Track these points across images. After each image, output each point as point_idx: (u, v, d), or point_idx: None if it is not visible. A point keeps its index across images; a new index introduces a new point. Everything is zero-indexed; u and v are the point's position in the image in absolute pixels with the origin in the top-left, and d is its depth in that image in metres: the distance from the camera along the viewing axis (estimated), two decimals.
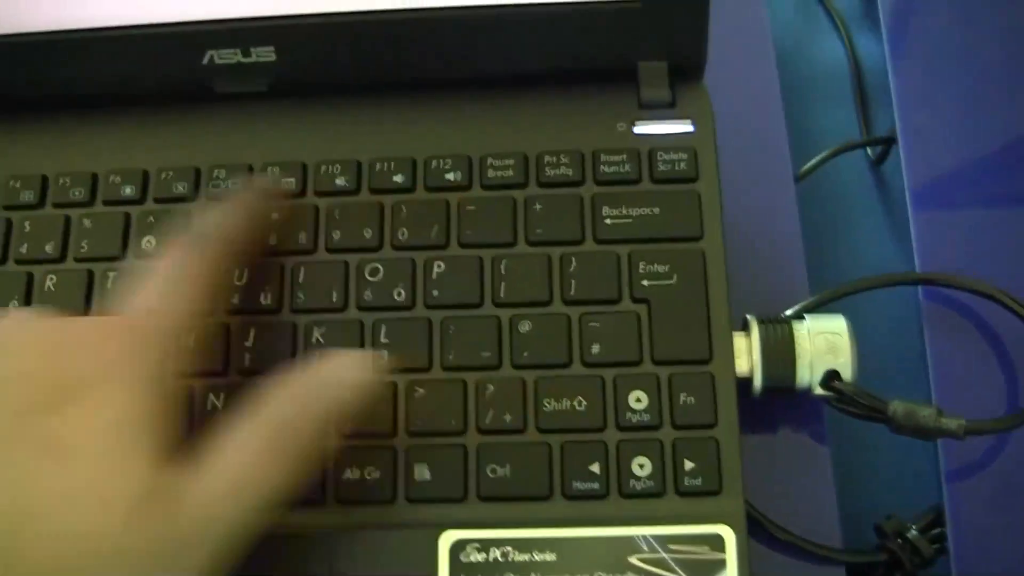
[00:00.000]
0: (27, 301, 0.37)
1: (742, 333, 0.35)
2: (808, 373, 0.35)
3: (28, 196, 0.38)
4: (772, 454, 0.36)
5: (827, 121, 0.43)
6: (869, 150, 0.44)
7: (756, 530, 0.36)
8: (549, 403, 0.34)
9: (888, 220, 0.44)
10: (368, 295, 0.36)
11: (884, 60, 0.43)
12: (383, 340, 0.35)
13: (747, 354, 0.35)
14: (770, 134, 0.41)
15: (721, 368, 0.34)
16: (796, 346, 0.35)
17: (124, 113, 0.40)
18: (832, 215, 0.41)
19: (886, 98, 0.43)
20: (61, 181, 0.38)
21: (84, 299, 0.37)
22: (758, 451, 0.35)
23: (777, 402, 0.36)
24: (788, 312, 0.37)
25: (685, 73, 0.38)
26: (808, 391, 0.35)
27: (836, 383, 0.35)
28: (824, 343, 0.35)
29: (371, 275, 0.36)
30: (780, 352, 0.35)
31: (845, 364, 0.35)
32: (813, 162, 0.39)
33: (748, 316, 0.36)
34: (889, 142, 0.43)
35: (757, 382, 0.35)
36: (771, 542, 0.35)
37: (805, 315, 0.36)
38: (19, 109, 0.40)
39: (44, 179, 0.38)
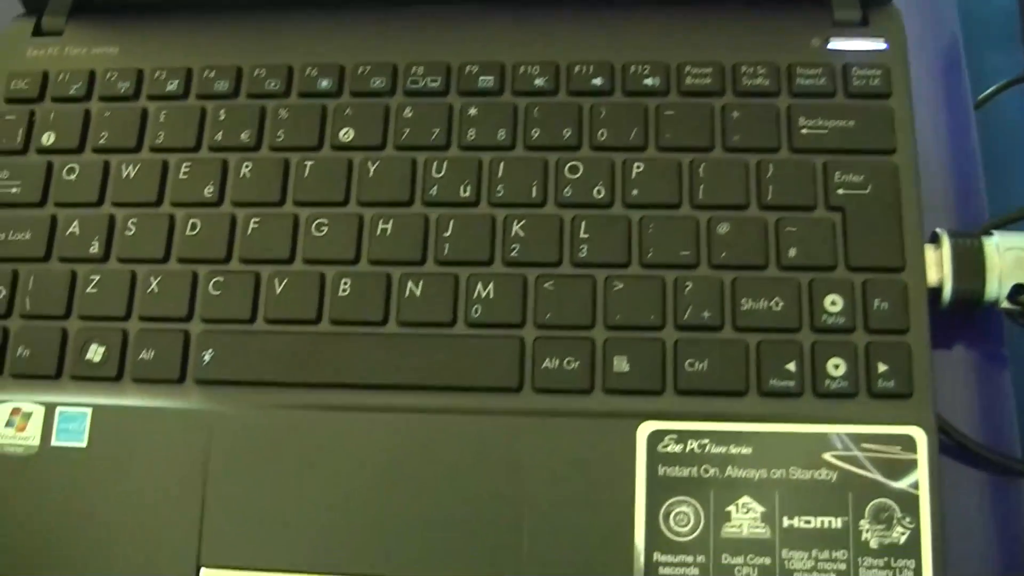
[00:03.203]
0: (222, 187, 0.37)
1: (932, 246, 0.36)
2: (997, 286, 0.36)
3: (222, 86, 0.39)
4: (952, 365, 0.37)
5: (995, 58, 0.43)
6: None
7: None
8: (746, 302, 0.35)
9: None
10: (567, 192, 0.36)
11: None
12: (582, 236, 0.36)
13: (937, 266, 0.36)
14: (949, 59, 0.42)
15: (913, 276, 0.35)
16: (986, 260, 0.36)
17: (317, 9, 0.40)
18: (1003, 144, 0.42)
19: None
20: (256, 72, 0.39)
21: (280, 188, 0.37)
22: (939, 361, 0.36)
23: (958, 315, 0.37)
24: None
25: None
26: (994, 304, 0.36)
27: (1023, 298, 0.36)
28: (1013, 258, 0.36)
29: (571, 172, 0.37)
30: (970, 265, 0.36)
31: None
32: (990, 90, 0.39)
33: (938, 230, 0.36)
34: None
35: (947, 293, 0.36)
36: (951, 449, 0.36)
37: (993, 231, 0.37)
38: (214, 4, 0.40)
39: (239, 70, 0.39)
